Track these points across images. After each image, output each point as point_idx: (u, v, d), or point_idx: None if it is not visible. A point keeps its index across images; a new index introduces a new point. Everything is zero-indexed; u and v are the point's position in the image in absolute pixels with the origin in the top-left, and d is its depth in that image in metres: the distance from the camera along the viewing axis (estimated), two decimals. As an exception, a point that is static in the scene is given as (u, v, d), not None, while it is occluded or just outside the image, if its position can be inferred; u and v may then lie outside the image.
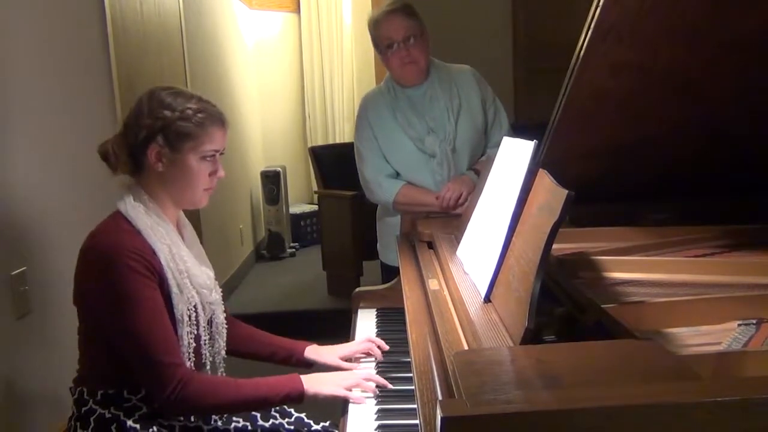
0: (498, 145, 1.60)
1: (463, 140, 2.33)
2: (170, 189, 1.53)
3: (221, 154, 1.56)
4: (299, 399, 1.45)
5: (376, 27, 2.30)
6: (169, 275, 1.46)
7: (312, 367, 1.71)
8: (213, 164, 1.54)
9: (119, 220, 1.47)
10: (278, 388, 1.45)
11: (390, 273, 2.28)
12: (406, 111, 2.33)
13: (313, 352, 1.72)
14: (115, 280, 1.39)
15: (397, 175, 2.38)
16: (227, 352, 1.68)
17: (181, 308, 1.48)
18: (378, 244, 2.58)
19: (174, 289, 1.47)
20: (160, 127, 1.47)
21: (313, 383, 1.46)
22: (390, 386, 1.48)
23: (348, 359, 1.69)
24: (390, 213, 2.43)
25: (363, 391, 1.47)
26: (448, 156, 2.31)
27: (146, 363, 1.40)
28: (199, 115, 1.49)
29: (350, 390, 1.46)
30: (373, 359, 1.68)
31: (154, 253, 1.45)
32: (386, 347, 1.70)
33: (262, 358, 1.75)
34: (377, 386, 1.47)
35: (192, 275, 1.52)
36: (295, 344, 1.74)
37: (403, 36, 2.24)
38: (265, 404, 1.49)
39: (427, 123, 2.32)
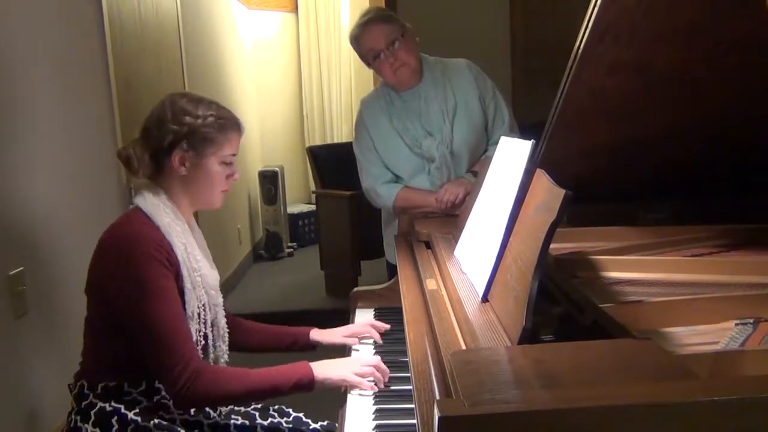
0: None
1: (461, 142, 2.30)
2: (191, 191, 1.59)
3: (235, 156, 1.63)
4: (310, 386, 1.46)
5: (357, 43, 2.29)
6: (184, 271, 1.51)
7: (316, 349, 1.77)
8: (230, 167, 1.61)
9: (140, 215, 1.52)
10: (288, 375, 1.46)
11: (395, 272, 2.28)
12: (401, 116, 2.31)
13: (318, 334, 1.78)
14: (138, 268, 1.43)
15: (398, 179, 2.37)
16: (232, 348, 1.71)
17: (192, 305, 1.52)
18: (384, 243, 2.58)
19: (188, 285, 1.51)
20: (186, 133, 1.53)
21: (323, 369, 1.47)
22: (388, 381, 1.48)
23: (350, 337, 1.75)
24: (394, 216, 2.42)
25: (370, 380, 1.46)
26: (446, 159, 2.29)
27: (161, 352, 1.42)
28: (220, 121, 1.57)
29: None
30: (372, 341, 1.73)
31: (172, 248, 1.50)
32: (387, 326, 1.77)
33: (268, 349, 1.79)
34: (375, 384, 1.47)
35: (203, 275, 1.57)
36: (298, 329, 1.79)
37: (386, 43, 2.22)
38: (276, 392, 1.49)
39: (424, 126, 2.30)
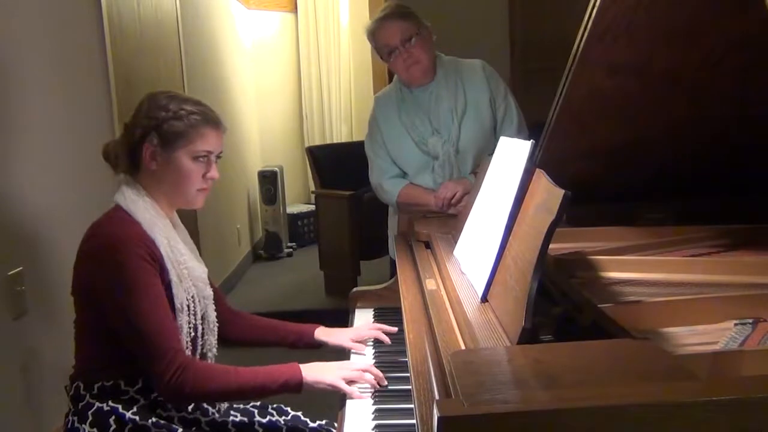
0: None
1: (467, 142, 2.32)
2: (164, 188, 1.56)
3: (218, 157, 1.60)
4: (298, 387, 1.46)
5: (373, 37, 2.31)
6: (168, 265, 1.50)
7: (321, 347, 1.75)
8: (206, 165, 1.57)
9: (120, 212, 1.51)
10: (276, 375, 1.46)
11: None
12: (411, 112, 2.34)
13: (324, 333, 1.75)
14: (122, 266, 1.43)
15: (405, 175, 2.39)
16: (232, 343, 1.72)
17: (180, 297, 1.51)
18: (389, 240, 2.58)
19: (174, 278, 1.50)
20: (154, 126, 1.52)
21: (312, 372, 1.47)
22: (385, 383, 1.48)
23: (357, 342, 1.72)
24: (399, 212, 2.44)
25: (361, 387, 1.46)
26: (450, 157, 2.31)
27: (148, 347, 1.42)
28: (193, 116, 1.54)
29: (349, 382, 1.46)
30: (371, 343, 1.71)
31: (154, 243, 1.49)
32: (394, 329, 1.73)
33: (272, 344, 1.77)
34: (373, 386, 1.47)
35: (189, 267, 1.56)
36: (304, 327, 1.77)
37: (401, 39, 2.24)
38: (263, 392, 1.49)
39: (432, 124, 2.32)
